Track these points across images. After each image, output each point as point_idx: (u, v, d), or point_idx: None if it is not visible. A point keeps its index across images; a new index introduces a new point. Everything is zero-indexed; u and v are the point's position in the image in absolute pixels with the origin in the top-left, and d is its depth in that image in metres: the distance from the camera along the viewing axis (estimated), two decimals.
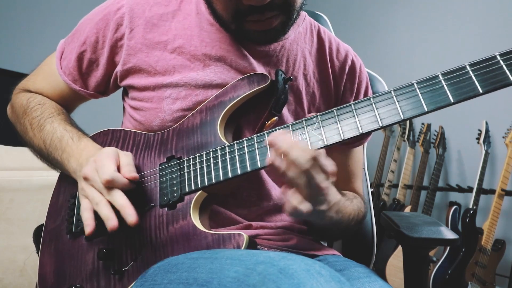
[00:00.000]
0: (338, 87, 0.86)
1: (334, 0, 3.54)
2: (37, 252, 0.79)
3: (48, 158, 0.78)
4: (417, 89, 0.56)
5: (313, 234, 0.86)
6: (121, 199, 0.62)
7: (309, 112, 0.82)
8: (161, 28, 0.77)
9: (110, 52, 0.78)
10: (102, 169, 0.63)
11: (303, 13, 0.85)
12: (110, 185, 0.62)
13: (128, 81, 0.78)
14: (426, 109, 0.55)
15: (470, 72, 0.54)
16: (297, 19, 0.75)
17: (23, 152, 1.52)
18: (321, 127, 0.60)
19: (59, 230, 0.76)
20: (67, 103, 0.87)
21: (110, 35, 0.77)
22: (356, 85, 0.87)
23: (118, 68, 0.78)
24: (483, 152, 2.32)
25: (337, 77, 0.85)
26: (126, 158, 0.68)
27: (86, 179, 0.65)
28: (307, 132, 0.61)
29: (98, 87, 0.83)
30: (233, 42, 0.77)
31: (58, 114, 0.81)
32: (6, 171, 1.49)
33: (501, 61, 0.53)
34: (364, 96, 0.88)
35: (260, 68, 0.78)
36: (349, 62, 0.86)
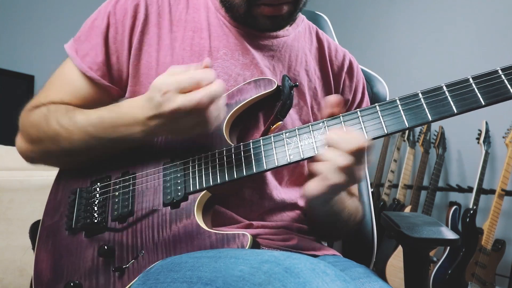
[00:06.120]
0: (337, 83, 0.88)
1: (334, 0, 3.54)
2: (33, 248, 0.78)
3: (98, 145, 0.70)
4: (422, 99, 0.59)
5: (313, 231, 0.87)
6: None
7: (311, 106, 0.84)
8: (172, 18, 0.78)
9: (129, 42, 0.77)
10: (184, 81, 0.59)
11: (302, 16, 0.88)
12: (204, 79, 0.60)
13: (137, 74, 0.78)
14: (430, 119, 0.57)
15: (473, 84, 0.56)
16: (300, 12, 0.77)
17: None
18: (327, 133, 0.62)
19: (58, 226, 0.76)
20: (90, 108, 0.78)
21: (128, 25, 0.76)
22: (354, 83, 0.90)
23: (132, 60, 0.77)
24: (483, 152, 2.32)
25: (337, 75, 0.88)
26: (172, 68, 0.63)
27: (165, 92, 0.60)
28: (313, 136, 0.62)
29: (120, 82, 0.79)
30: (238, 36, 0.79)
31: (73, 108, 0.75)
32: (6, 171, 1.49)
33: (502, 76, 0.55)
34: (362, 96, 0.91)
35: (264, 62, 0.79)
36: (347, 62, 0.89)
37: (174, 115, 0.60)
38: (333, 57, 0.88)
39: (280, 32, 0.82)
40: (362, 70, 1.02)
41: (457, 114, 0.56)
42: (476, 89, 0.56)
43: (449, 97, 0.57)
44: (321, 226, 0.84)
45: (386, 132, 0.59)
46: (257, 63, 0.78)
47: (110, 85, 0.78)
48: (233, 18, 0.79)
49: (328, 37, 0.92)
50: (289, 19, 0.76)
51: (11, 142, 1.56)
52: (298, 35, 0.85)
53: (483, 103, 0.55)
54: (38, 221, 0.81)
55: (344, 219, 0.78)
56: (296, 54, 0.83)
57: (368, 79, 1.07)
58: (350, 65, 0.89)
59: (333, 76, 0.87)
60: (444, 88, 0.58)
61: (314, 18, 1.14)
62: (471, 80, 0.57)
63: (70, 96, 0.77)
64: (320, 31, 0.91)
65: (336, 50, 0.89)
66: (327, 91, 0.87)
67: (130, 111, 0.66)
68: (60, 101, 0.77)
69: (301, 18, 0.88)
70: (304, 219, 0.85)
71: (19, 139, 0.80)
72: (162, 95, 0.60)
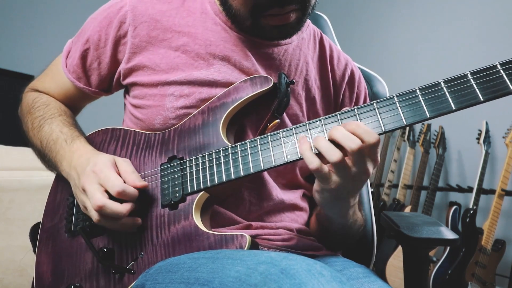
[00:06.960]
0: (337, 94, 0.87)
1: (334, 0, 3.54)
2: (34, 251, 0.78)
3: (44, 158, 0.80)
4: (420, 96, 0.57)
5: (322, 241, 0.86)
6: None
7: (308, 116, 0.83)
8: (165, 25, 0.77)
9: (113, 50, 0.79)
10: (109, 182, 0.64)
11: (308, 21, 0.86)
12: (121, 197, 0.64)
13: (131, 79, 0.79)
14: (428, 115, 0.56)
15: (472, 80, 0.55)
16: (308, 17, 0.76)
17: (23, 152, 1.52)
18: (324, 131, 0.61)
19: (57, 228, 0.76)
20: (73, 103, 0.89)
21: (112, 33, 0.78)
22: (355, 94, 0.88)
23: (122, 66, 0.79)
24: (483, 152, 2.32)
25: (337, 85, 0.87)
26: (128, 165, 0.69)
27: (84, 191, 0.66)
28: (310, 135, 0.61)
29: (101, 84, 0.84)
30: (237, 42, 0.78)
31: (59, 115, 0.81)
32: (6, 171, 1.49)
33: (501, 71, 0.54)
34: None
35: (262, 70, 0.78)
36: (348, 72, 0.88)
37: (81, 195, 0.68)
38: (335, 66, 0.86)
39: (283, 40, 0.80)
40: (362, 70, 1.02)
41: (455, 110, 0.55)
42: (474, 85, 0.54)
43: (447, 93, 0.56)
44: (333, 234, 0.82)
45: (383, 130, 0.58)
46: (256, 70, 0.77)
47: (84, 87, 0.84)
48: (239, 28, 0.78)
49: (331, 43, 0.90)
50: (298, 26, 0.75)
51: (11, 142, 1.56)
52: (301, 43, 0.83)
53: (482, 99, 0.54)
54: (38, 223, 0.81)
55: (355, 230, 0.78)
56: (296, 63, 0.82)
57: (368, 79, 1.07)
58: (352, 75, 0.88)
59: (334, 86, 0.86)
60: (442, 84, 0.56)
61: (314, 18, 1.14)
62: (469, 75, 0.55)
63: (57, 90, 0.87)
64: (324, 38, 0.89)
65: (339, 59, 0.87)
66: (327, 101, 0.86)
67: (70, 155, 0.73)
68: (48, 92, 0.88)
69: (306, 24, 0.85)
70: (305, 220, 0.85)
71: (20, 106, 0.90)
72: (83, 193, 0.66)
